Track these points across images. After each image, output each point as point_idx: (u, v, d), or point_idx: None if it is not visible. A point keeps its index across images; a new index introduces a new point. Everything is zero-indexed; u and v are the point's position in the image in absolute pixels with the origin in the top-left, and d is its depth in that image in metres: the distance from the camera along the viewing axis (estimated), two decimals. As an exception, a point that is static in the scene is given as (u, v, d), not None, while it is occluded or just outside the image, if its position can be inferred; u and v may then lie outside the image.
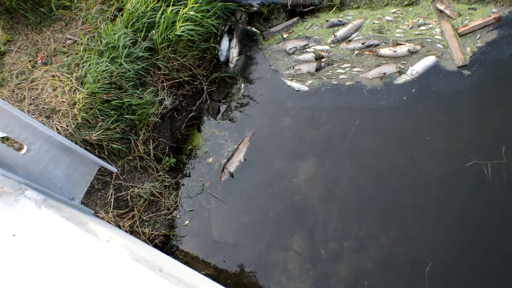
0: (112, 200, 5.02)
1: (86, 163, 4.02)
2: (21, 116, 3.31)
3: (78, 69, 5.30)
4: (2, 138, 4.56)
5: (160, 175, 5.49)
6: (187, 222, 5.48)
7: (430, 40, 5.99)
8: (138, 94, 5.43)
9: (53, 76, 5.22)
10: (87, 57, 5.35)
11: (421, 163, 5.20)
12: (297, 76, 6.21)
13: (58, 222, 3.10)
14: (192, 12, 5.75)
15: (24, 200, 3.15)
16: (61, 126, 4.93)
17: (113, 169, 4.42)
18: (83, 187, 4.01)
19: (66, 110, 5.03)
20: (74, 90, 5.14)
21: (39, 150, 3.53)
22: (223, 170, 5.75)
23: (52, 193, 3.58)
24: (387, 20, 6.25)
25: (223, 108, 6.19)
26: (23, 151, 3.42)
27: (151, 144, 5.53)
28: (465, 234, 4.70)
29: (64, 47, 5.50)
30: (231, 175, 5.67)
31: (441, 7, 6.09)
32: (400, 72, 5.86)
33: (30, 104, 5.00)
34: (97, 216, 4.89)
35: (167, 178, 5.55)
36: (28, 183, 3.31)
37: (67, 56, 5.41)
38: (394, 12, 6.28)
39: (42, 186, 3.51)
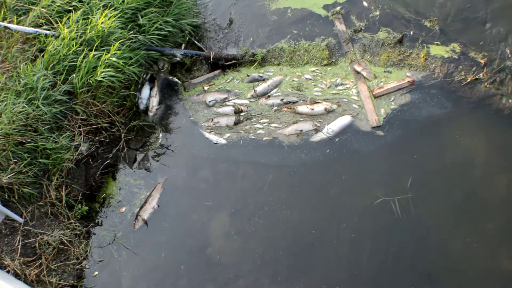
0: (19, 247, 5.47)
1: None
2: None
3: None
4: None
5: (71, 223, 5.97)
6: (96, 273, 5.94)
7: (346, 100, 7.08)
8: (54, 138, 6.01)
9: None
10: (4, 97, 5.85)
11: (334, 214, 6.15)
12: (216, 129, 7.02)
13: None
14: (114, 59, 6.52)
15: None
16: None
17: (19, 219, 4.88)
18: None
19: None
20: None
21: None
22: (136, 217, 6.32)
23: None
24: (306, 78, 7.34)
25: (139, 157, 6.83)
26: None
27: (63, 190, 6.02)
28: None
29: None
30: (145, 222, 6.29)
31: (358, 69, 7.29)
32: (317, 130, 6.84)
33: None
34: (2, 263, 5.52)
35: (78, 226, 6.04)
36: None
37: None
38: (313, 71, 7.40)
39: None
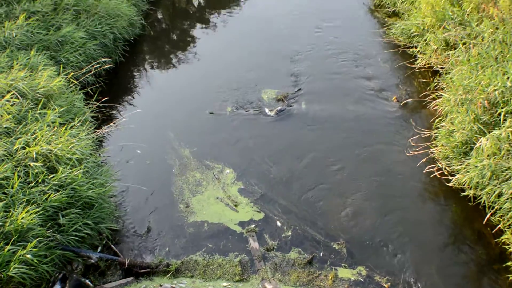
0: None
1: None
2: None
3: None
4: None
5: None
6: None
7: None
8: None
9: None
10: None
11: None
12: None
13: None
14: (29, 256, 6.98)
15: None
16: None
17: None
18: None
19: None
20: None
21: None
22: None
23: None
24: None
25: None
26: None
27: None
28: None
29: None
30: None
31: (269, 287, 7.91)
32: None
33: None
34: None
35: None
36: None
37: None
38: (225, 286, 7.97)
39: None
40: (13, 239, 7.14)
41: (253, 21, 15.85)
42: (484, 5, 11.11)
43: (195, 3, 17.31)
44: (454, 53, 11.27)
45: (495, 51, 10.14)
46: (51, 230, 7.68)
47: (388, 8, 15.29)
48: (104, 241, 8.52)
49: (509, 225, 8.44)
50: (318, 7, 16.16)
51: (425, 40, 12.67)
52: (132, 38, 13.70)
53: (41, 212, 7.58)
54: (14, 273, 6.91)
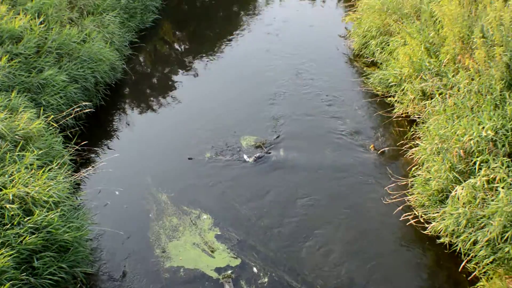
0: None
1: None
2: None
3: None
4: None
5: None
6: None
7: None
8: None
9: None
10: None
11: None
12: None
13: None
14: None
15: None
16: None
17: None
18: None
19: None
20: None
21: None
22: None
23: None
24: None
25: None
26: None
27: None
28: None
29: None
30: None
31: None
32: None
33: None
34: None
35: None
36: None
37: None
38: None
39: None
40: (-14, 282, 7.07)
41: (234, 68, 16.16)
42: (460, 57, 11.46)
43: (177, 48, 17.67)
44: (431, 103, 11.58)
45: (470, 102, 10.46)
46: (25, 273, 7.74)
47: (367, 58, 15.64)
48: (79, 285, 8.61)
49: (484, 272, 8.67)
50: (300, 59, 16.46)
51: (403, 89, 12.98)
52: (114, 82, 14.01)
53: (15, 254, 7.63)
54: (-14, 319, 6.83)
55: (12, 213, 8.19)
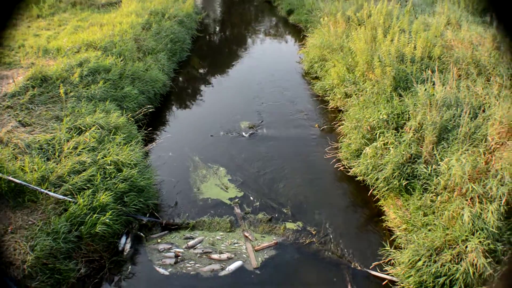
0: None
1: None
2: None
3: (32, 240, 6.36)
4: None
5: None
6: None
7: (239, 251, 7.69)
8: (65, 263, 6.54)
9: (16, 241, 6.26)
10: (39, 234, 6.45)
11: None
12: (163, 266, 7.46)
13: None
14: (107, 220, 7.29)
15: None
16: (13, 275, 5.86)
17: None
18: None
19: (19, 264, 6.01)
20: (26, 253, 6.17)
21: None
22: None
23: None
24: (217, 238, 8.03)
25: (116, 278, 7.21)
26: None
27: None
28: None
29: (26, 225, 6.61)
30: None
31: (247, 234, 8.08)
32: (222, 269, 7.39)
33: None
34: None
35: None
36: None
37: (27, 231, 6.52)
38: (221, 234, 8.14)
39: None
40: (98, 210, 7.34)
41: (236, 81, 16.08)
42: (366, 72, 11.52)
43: (201, 72, 17.56)
44: (350, 99, 11.55)
45: (373, 99, 10.50)
46: (119, 205, 7.84)
47: (313, 74, 15.51)
48: (150, 210, 8.64)
49: (382, 195, 8.80)
50: (273, 72, 16.50)
51: (334, 92, 12.89)
52: (165, 93, 13.81)
53: (113, 194, 7.69)
54: (99, 230, 7.14)
55: (110, 171, 8.27)
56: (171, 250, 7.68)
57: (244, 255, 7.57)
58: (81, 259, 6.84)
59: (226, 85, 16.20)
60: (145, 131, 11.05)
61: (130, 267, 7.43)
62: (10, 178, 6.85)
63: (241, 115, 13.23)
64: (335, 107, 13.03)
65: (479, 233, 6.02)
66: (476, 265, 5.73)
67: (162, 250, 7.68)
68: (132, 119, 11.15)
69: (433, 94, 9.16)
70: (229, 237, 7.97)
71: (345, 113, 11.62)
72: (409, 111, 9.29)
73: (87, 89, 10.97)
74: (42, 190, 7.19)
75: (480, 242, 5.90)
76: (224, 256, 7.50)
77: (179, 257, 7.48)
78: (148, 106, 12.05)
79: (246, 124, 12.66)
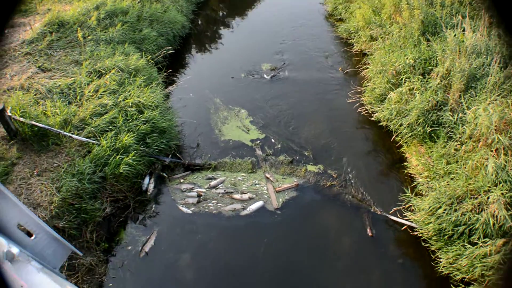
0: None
1: (65, 248, 4.71)
2: (33, 216, 4.06)
3: (58, 182, 6.46)
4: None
5: (97, 253, 6.38)
6: (111, 284, 6.22)
7: (260, 192, 7.70)
8: (91, 203, 6.60)
9: (42, 183, 6.35)
10: (64, 176, 6.53)
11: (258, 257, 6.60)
12: (186, 205, 7.54)
13: (48, 282, 3.65)
14: (131, 161, 7.29)
15: (30, 267, 3.65)
16: (41, 215, 6.07)
17: (79, 253, 5.16)
18: (61, 262, 4.66)
19: (46, 205, 6.15)
20: (53, 194, 6.30)
21: (41, 238, 4.20)
22: (141, 250, 6.66)
23: (45, 264, 4.14)
24: (239, 179, 8.02)
25: (140, 217, 7.33)
26: (32, 238, 4.08)
27: (94, 234, 6.51)
28: None
29: (52, 167, 6.71)
30: (146, 253, 6.64)
31: (268, 175, 8.04)
32: (244, 209, 7.42)
33: (25, 198, 6.34)
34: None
35: (101, 256, 6.44)
36: (32, 257, 3.90)
37: (52, 173, 6.61)
38: (243, 175, 8.10)
39: (39, 259, 4.09)
40: (121, 151, 7.36)
41: (256, 23, 15.36)
42: (393, 15, 10.86)
43: (220, 14, 16.84)
44: (376, 43, 11.00)
45: (399, 42, 9.93)
46: (142, 146, 7.84)
47: (336, 16, 14.65)
48: (173, 151, 8.55)
49: (405, 142, 8.49)
50: (294, 17, 15.43)
51: (359, 35, 12.30)
52: (184, 35, 13.31)
53: (136, 136, 7.73)
54: (123, 171, 7.16)
55: (132, 113, 8.18)
56: (193, 190, 7.76)
57: (265, 196, 7.60)
58: (106, 199, 7.01)
59: (246, 26, 15.56)
60: (165, 73, 10.78)
61: (154, 206, 7.57)
62: (33, 122, 6.79)
63: (262, 57, 12.74)
64: (359, 50, 12.43)
65: (502, 185, 5.75)
66: (496, 216, 5.51)
67: (185, 190, 7.78)
68: (152, 61, 10.87)
69: (463, 41, 8.49)
70: (251, 178, 7.97)
71: (370, 57, 11.06)
72: (437, 56, 8.72)
73: (105, 32, 10.67)
74: (65, 133, 7.18)
75: (502, 194, 5.63)
76: (246, 196, 7.54)
77: (201, 197, 7.56)
78: (168, 48, 11.68)
79: (268, 66, 12.23)
